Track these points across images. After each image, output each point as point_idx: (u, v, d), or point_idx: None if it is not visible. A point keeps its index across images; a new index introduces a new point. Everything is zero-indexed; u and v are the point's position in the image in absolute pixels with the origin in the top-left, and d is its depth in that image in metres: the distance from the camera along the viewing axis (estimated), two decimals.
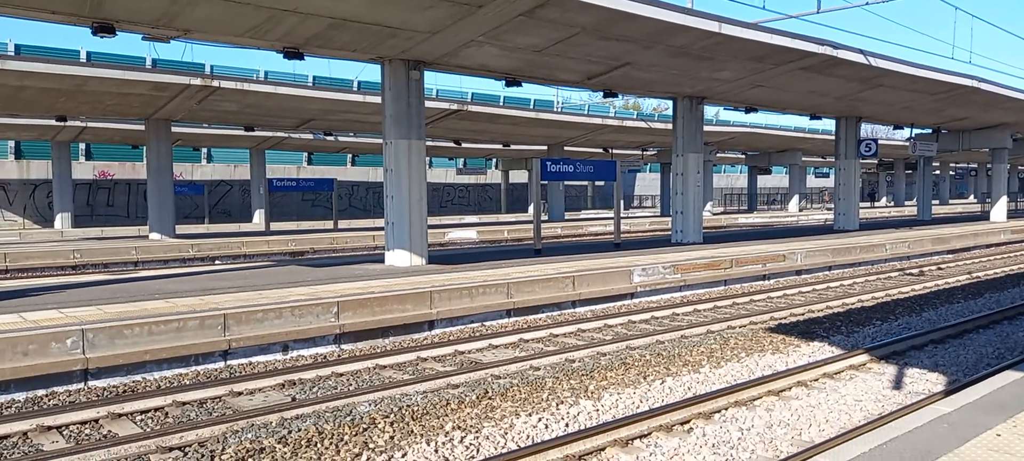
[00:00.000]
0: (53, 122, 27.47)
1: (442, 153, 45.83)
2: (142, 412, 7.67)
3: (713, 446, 6.62)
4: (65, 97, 22.00)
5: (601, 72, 17.73)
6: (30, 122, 29.12)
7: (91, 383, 8.57)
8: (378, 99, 17.87)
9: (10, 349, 8.13)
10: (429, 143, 35.70)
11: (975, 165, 75.25)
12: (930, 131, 33.54)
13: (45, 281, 15.75)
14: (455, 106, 29.16)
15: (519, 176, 54.66)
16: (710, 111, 52.76)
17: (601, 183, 58.26)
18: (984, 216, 39.95)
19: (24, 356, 8.20)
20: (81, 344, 8.55)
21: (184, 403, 7.95)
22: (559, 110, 40.61)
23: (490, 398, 8.01)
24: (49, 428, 7.11)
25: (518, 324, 12.42)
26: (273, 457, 6.29)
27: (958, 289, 16.53)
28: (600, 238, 30.65)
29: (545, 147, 41.03)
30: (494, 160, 53.85)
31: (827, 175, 64.03)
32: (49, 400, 8.07)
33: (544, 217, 38.22)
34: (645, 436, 6.85)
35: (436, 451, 6.48)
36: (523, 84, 17.88)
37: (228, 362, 9.60)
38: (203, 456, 6.29)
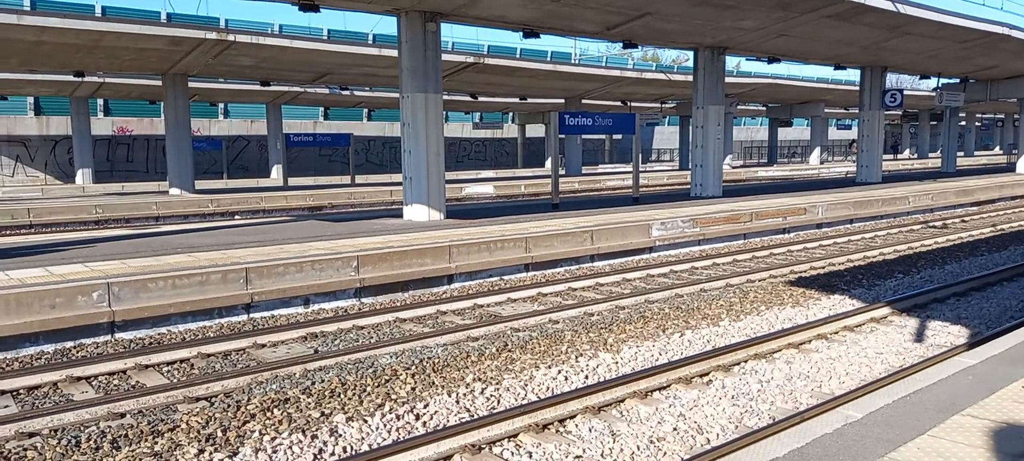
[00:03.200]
0: (71, 78, 27.56)
1: (458, 107, 45.56)
2: (168, 363, 7.81)
3: (732, 398, 6.64)
4: (82, 52, 22.01)
5: (620, 22, 17.40)
6: (48, 78, 29.24)
7: (118, 335, 8.73)
8: (394, 52, 17.73)
9: (38, 302, 8.28)
10: (446, 97, 35.43)
11: (1003, 116, 73.56)
12: (957, 81, 32.75)
13: (69, 236, 15.97)
14: (472, 59, 28.85)
15: (536, 130, 54.26)
16: (731, 62, 51.82)
17: (619, 137, 57.74)
18: (1010, 167, 39.19)
19: (52, 309, 8.34)
20: (107, 297, 8.68)
21: (209, 355, 8.08)
22: (577, 62, 40.00)
23: (510, 351, 8.06)
24: (78, 379, 7.27)
25: (536, 278, 12.44)
26: (298, 407, 6.39)
27: (982, 241, 16.31)
28: (618, 192, 30.49)
29: (562, 100, 40.61)
30: (511, 114, 53.43)
31: (849, 127, 62.96)
32: (77, 352, 8.23)
33: (561, 171, 38.00)
34: (665, 388, 6.87)
35: (457, 402, 6.56)
36: (541, 36, 17.61)
37: (251, 315, 9.72)
38: (229, 406, 6.40)
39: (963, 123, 66.16)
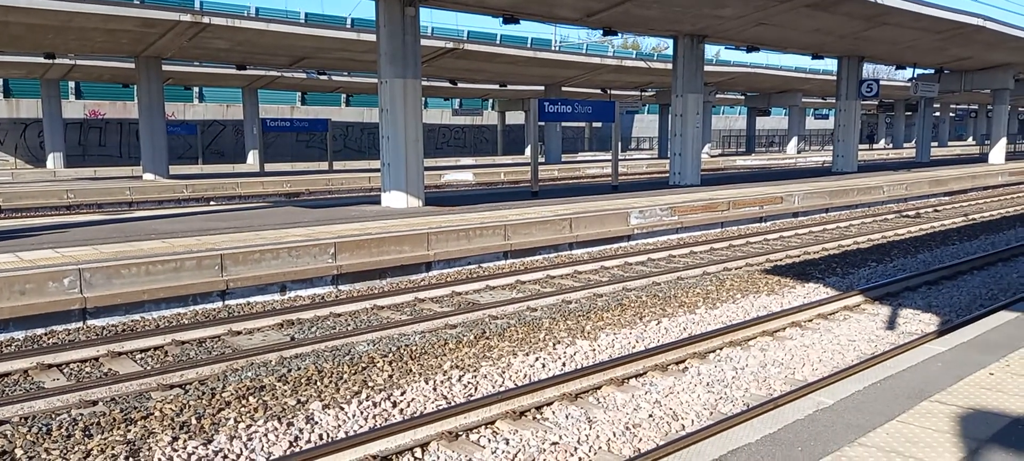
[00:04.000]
0: (41, 59, 26.93)
1: (438, 93, 45.29)
2: (142, 351, 7.71)
3: (707, 385, 6.70)
4: (52, 33, 21.54)
5: (601, 9, 17.38)
6: (17, 59, 28.59)
7: (90, 322, 8.60)
8: (372, 37, 17.55)
9: (7, 288, 8.13)
10: (425, 83, 35.16)
11: (975, 107, 74.72)
12: (932, 71, 33.19)
13: (39, 221, 15.68)
14: (451, 44, 28.66)
15: (516, 117, 54.16)
16: (710, 51, 52.04)
17: (599, 125, 57.81)
18: (982, 158, 39.86)
19: (21, 295, 8.20)
20: (78, 283, 8.55)
21: (183, 342, 7.99)
22: (557, 49, 39.97)
23: (487, 338, 8.07)
24: (49, 366, 7.16)
25: (515, 266, 12.45)
26: (273, 395, 6.35)
27: (953, 231, 16.59)
28: (597, 180, 30.56)
29: (542, 88, 40.54)
30: (490, 101, 53.25)
31: (826, 116, 63.53)
32: (48, 339, 8.10)
33: (541, 159, 38.00)
34: (641, 375, 6.92)
35: (434, 389, 6.55)
36: (521, 21, 17.53)
37: (226, 302, 9.63)
38: (204, 394, 6.34)
39: (937, 114, 67.14)
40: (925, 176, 25.60)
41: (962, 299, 10.10)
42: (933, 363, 5.41)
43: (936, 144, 65.18)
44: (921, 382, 4.98)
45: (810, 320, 8.92)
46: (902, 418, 4.34)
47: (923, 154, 36.72)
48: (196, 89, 42.69)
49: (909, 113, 60.88)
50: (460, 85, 39.90)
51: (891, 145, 68.03)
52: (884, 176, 25.49)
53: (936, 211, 20.71)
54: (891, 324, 8.89)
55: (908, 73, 33.37)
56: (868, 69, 35.33)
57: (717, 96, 49.56)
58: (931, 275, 11.39)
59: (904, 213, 20.09)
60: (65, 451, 5.26)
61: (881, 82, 30.89)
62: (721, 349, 7.74)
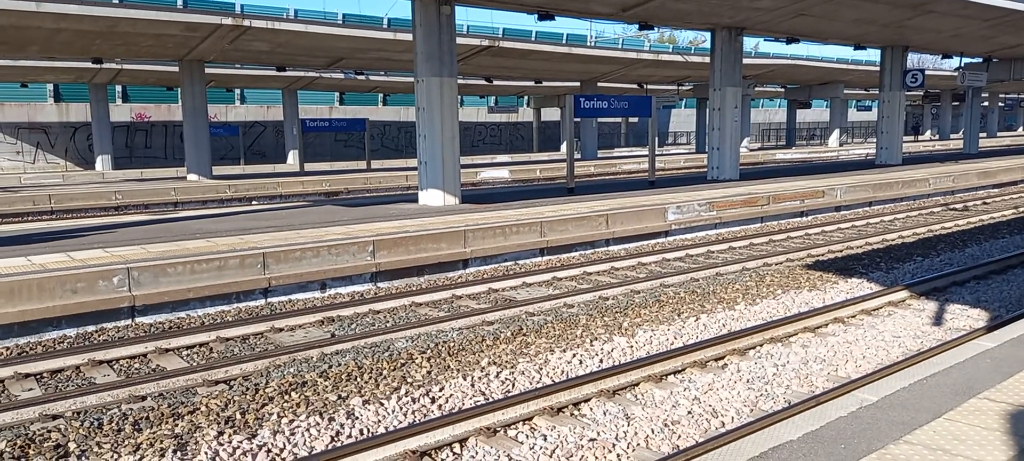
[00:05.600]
0: (90, 64, 27.80)
1: (473, 91, 45.47)
2: (188, 347, 7.91)
3: (747, 381, 6.63)
4: (100, 39, 22.19)
5: (636, 3, 17.24)
6: (67, 65, 29.51)
7: (138, 319, 8.86)
8: (409, 36, 17.71)
9: (60, 287, 8.42)
10: (460, 81, 35.28)
11: None
12: (980, 60, 32.17)
13: (89, 221, 16.18)
14: (487, 42, 28.74)
15: (551, 114, 54.06)
16: (749, 43, 51.24)
17: (635, 120, 57.38)
18: None
19: (73, 293, 8.48)
20: (127, 282, 8.81)
21: (227, 339, 8.18)
22: (592, 44, 39.74)
23: (524, 335, 8.09)
24: (100, 362, 7.40)
25: (551, 262, 12.45)
26: (315, 390, 6.46)
27: (1003, 224, 16.08)
28: (634, 176, 30.35)
29: (578, 84, 40.40)
30: (526, 98, 53.25)
31: (869, 108, 62.08)
32: (99, 336, 8.36)
33: (577, 155, 37.87)
34: (680, 372, 6.87)
35: (472, 385, 6.60)
36: (556, 18, 17.48)
37: (268, 300, 9.82)
38: (248, 389, 6.49)
39: (986, 103, 65.05)
40: (973, 168, 24.85)
41: (1012, 294, 9.80)
42: (982, 360, 5.27)
43: (984, 135, 63.14)
44: (969, 379, 4.86)
45: (853, 316, 8.75)
46: (950, 416, 4.24)
47: (971, 145, 35.62)
48: (238, 91, 43.57)
49: (956, 103, 59.18)
50: (495, 83, 40.01)
51: (937, 136, 66.18)
52: (930, 168, 24.82)
53: (985, 204, 20.10)
54: (938, 320, 8.66)
55: (954, 62, 32.42)
56: (913, 59, 34.43)
57: (756, 89, 48.76)
58: (979, 269, 11.06)
59: (951, 206, 19.54)
60: (116, 444, 5.43)
61: (926, 72, 30.04)
62: (761, 346, 7.64)
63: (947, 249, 13.09)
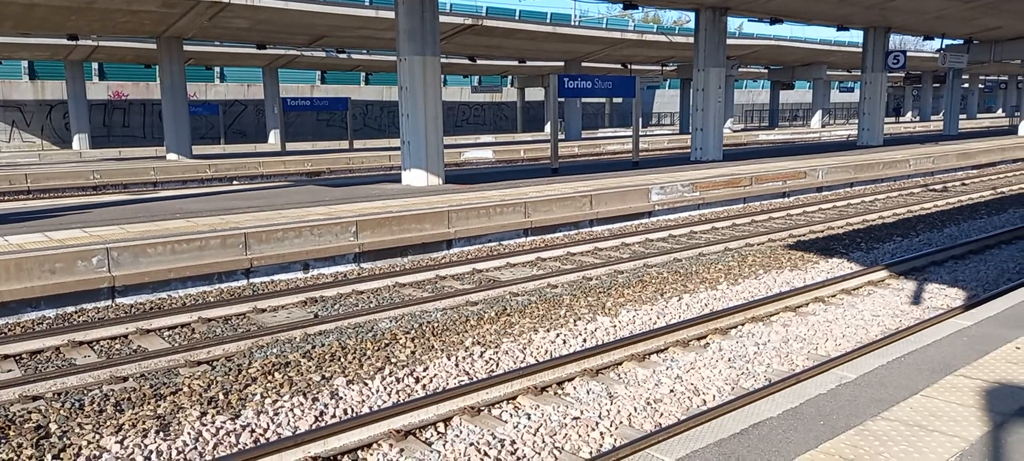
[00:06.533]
0: (65, 41, 27.28)
1: (457, 71, 45.16)
2: (169, 328, 7.86)
3: (729, 360, 6.70)
4: (76, 14, 21.74)
5: None
6: (42, 41, 28.93)
7: (118, 300, 8.77)
8: (391, 14, 17.51)
9: (38, 267, 8.30)
10: (444, 60, 35.08)
11: (1006, 78, 73.01)
12: (961, 42, 32.45)
13: (67, 201, 15.96)
14: (470, 21, 28.53)
15: (535, 94, 53.88)
16: (733, 24, 51.26)
17: (619, 100, 57.38)
18: (1012, 130, 39.02)
19: (52, 274, 8.37)
20: (106, 262, 8.71)
21: (209, 319, 8.13)
22: (576, 24, 39.59)
23: (508, 315, 8.11)
24: (80, 343, 7.32)
25: (535, 243, 12.46)
26: (298, 371, 6.45)
27: (981, 204, 16.31)
28: (618, 157, 30.39)
29: (562, 63, 40.26)
30: (510, 78, 53.01)
31: (852, 90, 62.44)
32: (78, 317, 8.28)
33: (561, 136, 37.83)
34: (662, 351, 6.93)
35: (456, 365, 6.61)
36: None
37: (250, 280, 9.75)
38: (231, 370, 6.46)
39: (966, 85, 65.72)
40: (953, 149, 25.13)
41: (989, 274, 9.96)
42: (958, 338, 5.36)
43: (964, 116, 63.89)
44: (946, 356, 4.94)
45: (833, 296, 8.85)
46: (926, 392, 4.31)
47: (951, 127, 36.03)
48: (217, 69, 42.97)
49: (937, 85, 59.63)
50: (479, 62, 39.78)
51: (918, 118, 66.79)
52: (911, 149, 25.07)
53: (964, 185, 20.36)
54: (916, 299, 8.79)
55: (936, 44, 32.66)
56: (895, 40, 34.63)
57: (740, 70, 48.85)
58: (958, 249, 11.23)
59: (931, 187, 19.78)
60: (98, 425, 5.39)
61: (908, 53, 30.27)
62: (743, 325, 7.72)
63: (926, 229, 13.26)
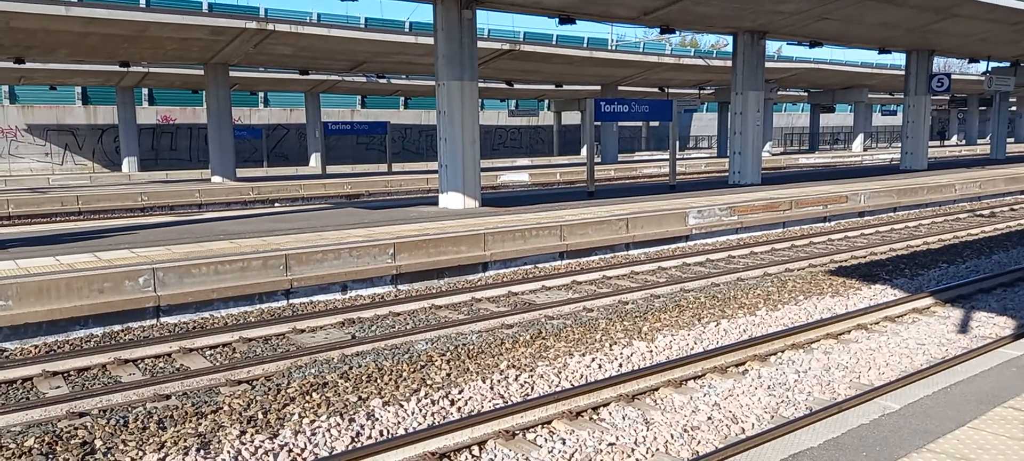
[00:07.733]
0: (117, 67, 28.26)
1: (494, 95, 45.55)
2: (211, 347, 8.02)
3: (768, 387, 6.58)
4: (127, 43, 22.55)
5: (658, 7, 17.20)
6: (95, 68, 30.02)
7: (163, 319, 8.99)
8: (430, 40, 17.79)
9: (87, 287, 8.57)
10: (481, 84, 35.32)
11: None
12: (1007, 64, 31.64)
13: (115, 222, 16.44)
14: (507, 46, 28.81)
15: (571, 117, 54.01)
16: (771, 47, 50.85)
17: (656, 124, 57.15)
18: None
19: (100, 293, 8.63)
20: (152, 282, 8.95)
21: (250, 339, 8.28)
22: (613, 48, 39.68)
23: (544, 338, 8.10)
24: (126, 361, 7.52)
25: (571, 266, 12.44)
26: (336, 391, 6.52)
27: None
28: (654, 180, 30.23)
29: (598, 87, 40.32)
30: (546, 102, 53.25)
31: (894, 112, 61.27)
32: (125, 335, 8.50)
33: (597, 159, 37.80)
34: (699, 377, 6.84)
35: (491, 388, 6.62)
36: (577, 22, 17.49)
37: (290, 301, 9.92)
38: (270, 390, 6.56)
39: (1014, 108, 63.93)
40: (1000, 173, 24.44)
41: None
42: (1007, 368, 5.20)
43: (1012, 140, 62.06)
44: (995, 387, 4.79)
45: (876, 323, 8.65)
46: (974, 424, 4.19)
47: (998, 150, 35.04)
48: (261, 94, 44.04)
49: (983, 108, 58.24)
50: (516, 86, 40.05)
51: (964, 141, 65.17)
52: (956, 173, 24.45)
53: (1012, 210, 19.76)
54: (963, 327, 8.54)
55: (982, 66, 31.91)
56: (938, 62, 33.94)
57: (778, 93, 48.35)
58: (1007, 276, 10.89)
59: (977, 212, 19.24)
60: (141, 442, 5.52)
61: (953, 76, 29.61)
62: (783, 352, 7.58)
63: (973, 256, 12.90)
